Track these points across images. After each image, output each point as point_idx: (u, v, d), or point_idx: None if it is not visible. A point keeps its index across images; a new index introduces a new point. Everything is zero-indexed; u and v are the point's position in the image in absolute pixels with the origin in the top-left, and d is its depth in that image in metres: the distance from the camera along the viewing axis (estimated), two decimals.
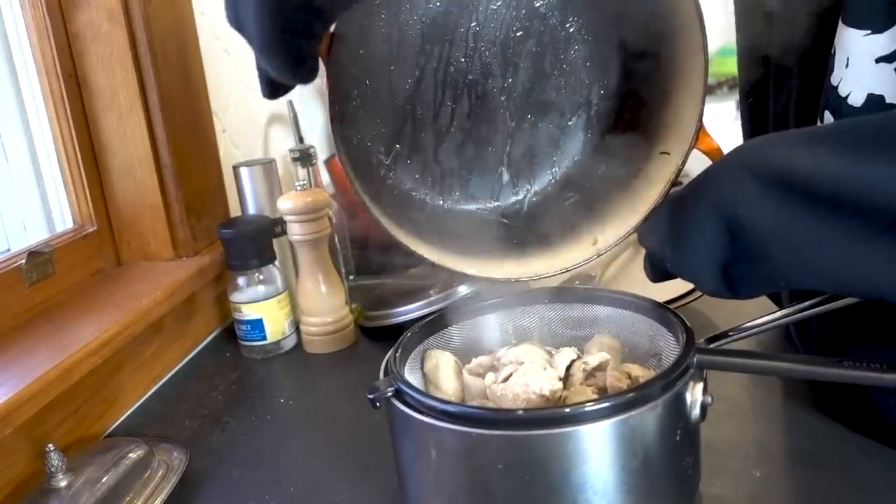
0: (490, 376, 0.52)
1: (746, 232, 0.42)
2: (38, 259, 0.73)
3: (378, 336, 0.84)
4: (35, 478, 0.60)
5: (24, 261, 0.71)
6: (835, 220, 0.39)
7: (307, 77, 0.45)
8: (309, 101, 1.33)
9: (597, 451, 0.43)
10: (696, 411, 0.46)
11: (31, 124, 0.81)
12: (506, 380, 0.51)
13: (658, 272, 0.50)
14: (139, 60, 0.81)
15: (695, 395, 0.46)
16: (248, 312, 0.82)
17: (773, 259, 0.41)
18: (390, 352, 0.52)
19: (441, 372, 0.54)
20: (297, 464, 0.62)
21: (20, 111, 0.80)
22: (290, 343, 0.85)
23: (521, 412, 0.45)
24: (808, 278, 0.41)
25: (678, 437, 0.45)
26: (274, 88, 0.47)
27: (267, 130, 1.12)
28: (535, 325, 0.60)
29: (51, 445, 0.54)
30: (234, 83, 1.03)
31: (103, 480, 0.54)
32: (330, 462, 0.62)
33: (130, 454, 0.57)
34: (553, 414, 0.44)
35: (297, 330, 0.86)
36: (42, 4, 0.77)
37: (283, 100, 1.14)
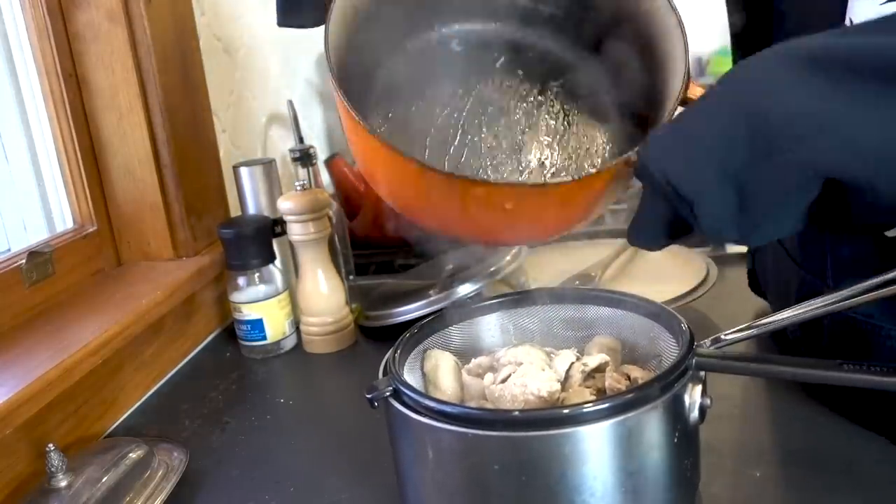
0: (489, 377, 0.52)
1: (771, 120, 0.37)
2: (38, 259, 0.73)
3: (378, 336, 0.84)
4: (35, 478, 0.60)
5: (24, 261, 0.71)
6: (876, 88, 0.35)
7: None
8: (309, 102, 1.33)
9: (594, 453, 0.43)
10: (695, 413, 0.46)
11: (31, 124, 0.81)
12: (504, 381, 0.51)
13: (660, 223, 0.43)
14: (139, 60, 0.81)
15: (693, 397, 0.46)
16: (248, 312, 0.82)
17: (804, 143, 0.36)
18: (389, 352, 0.52)
19: (440, 372, 0.54)
20: (297, 464, 0.62)
21: (20, 111, 0.80)
22: (290, 343, 0.85)
23: (517, 413, 0.45)
24: (844, 157, 0.36)
25: (676, 439, 0.45)
26: (286, 15, 0.48)
27: (267, 130, 1.12)
28: (535, 325, 0.60)
29: (51, 445, 0.54)
30: (234, 83, 1.03)
31: (103, 480, 0.54)
32: (330, 462, 0.62)
33: (130, 454, 0.57)
34: (550, 415, 0.44)
35: (297, 330, 0.86)
36: (42, 4, 0.77)
37: (283, 100, 1.14)
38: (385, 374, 0.51)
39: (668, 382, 0.44)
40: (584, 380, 0.52)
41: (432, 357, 0.55)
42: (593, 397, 0.50)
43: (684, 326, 0.50)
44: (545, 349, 0.55)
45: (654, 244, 0.45)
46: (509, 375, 0.51)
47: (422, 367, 0.55)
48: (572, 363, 0.52)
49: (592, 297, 0.59)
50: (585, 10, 0.57)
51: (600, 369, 0.52)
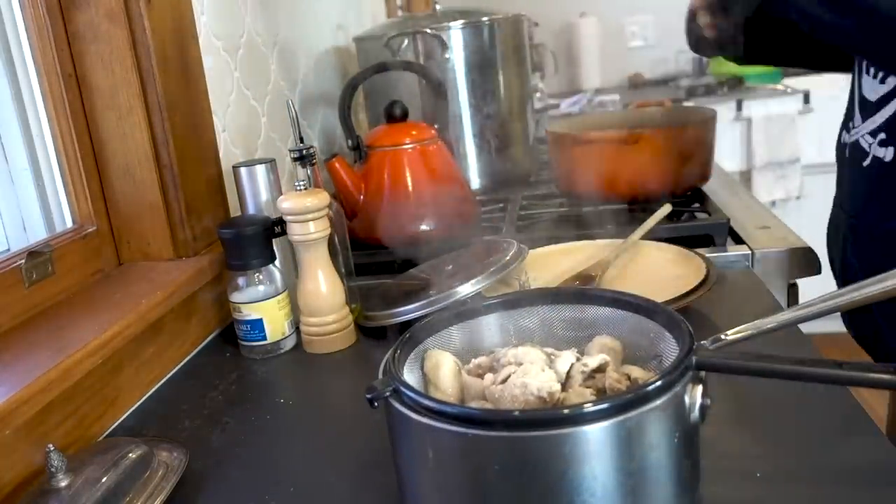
0: (489, 377, 0.52)
1: None
2: (38, 259, 0.73)
3: (378, 336, 0.84)
4: (35, 478, 0.60)
5: (23, 261, 0.71)
6: None
7: None
8: (309, 102, 1.33)
9: (595, 453, 0.43)
10: (696, 413, 0.46)
11: (30, 124, 0.81)
12: (504, 381, 0.51)
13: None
14: (139, 60, 0.81)
15: (693, 397, 0.46)
16: (248, 312, 0.82)
17: None
18: (389, 352, 0.52)
19: (440, 372, 0.54)
20: (297, 464, 0.62)
21: (20, 111, 0.80)
22: (290, 343, 0.85)
23: (517, 413, 0.45)
24: None
25: (677, 439, 0.45)
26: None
27: (267, 130, 1.12)
28: (535, 325, 0.60)
29: (51, 445, 0.54)
30: (233, 83, 1.03)
31: (103, 480, 0.54)
32: (330, 462, 0.62)
33: (130, 454, 0.57)
34: (550, 415, 0.44)
35: (297, 330, 0.86)
36: (42, 4, 0.77)
37: (282, 100, 1.14)
38: (385, 374, 0.51)
39: (668, 383, 0.44)
40: (585, 380, 0.52)
41: (432, 357, 0.55)
42: (594, 398, 0.50)
43: (684, 326, 0.50)
44: (545, 349, 0.55)
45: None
46: (509, 376, 0.51)
47: (422, 367, 0.55)
48: (573, 364, 0.52)
49: (592, 297, 0.59)
50: None
51: (601, 370, 0.52)
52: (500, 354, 0.55)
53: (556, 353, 0.54)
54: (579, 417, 0.42)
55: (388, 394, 0.48)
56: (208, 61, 0.93)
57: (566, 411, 0.43)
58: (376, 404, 0.48)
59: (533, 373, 0.50)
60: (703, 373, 0.47)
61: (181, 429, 0.70)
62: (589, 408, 0.42)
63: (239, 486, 0.60)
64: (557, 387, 0.50)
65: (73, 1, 0.79)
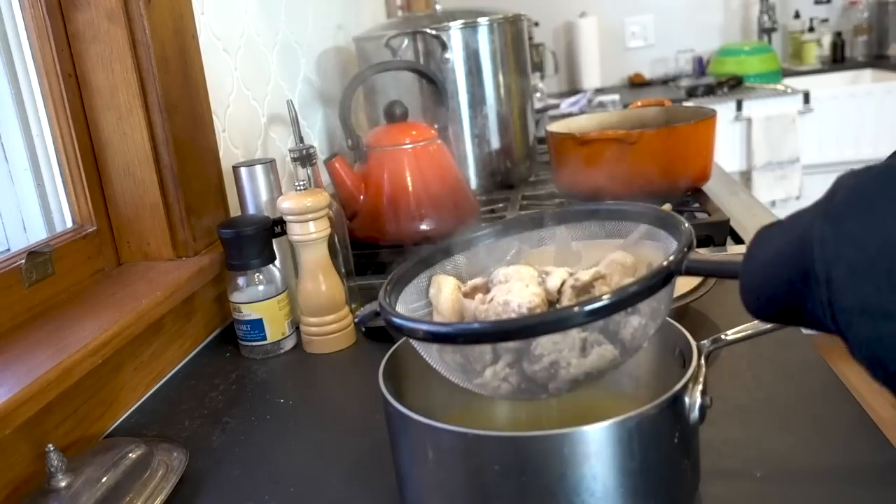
0: (479, 297, 0.50)
1: None
2: (38, 259, 0.73)
3: (378, 336, 0.84)
4: (35, 478, 0.60)
5: (23, 261, 0.71)
6: None
7: None
8: (309, 102, 1.33)
9: (594, 453, 0.43)
10: (695, 413, 0.46)
11: (30, 124, 0.81)
12: (492, 300, 0.49)
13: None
14: (139, 60, 0.81)
15: (693, 397, 0.46)
16: (248, 312, 0.82)
17: None
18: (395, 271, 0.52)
19: (441, 296, 0.53)
20: (297, 464, 0.62)
21: (20, 111, 0.80)
22: (290, 343, 0.85)
23: (476, 325, 0.44)
24: None
25: (676, 440, 0.45)
26: None
27: (267, 130, 1.12)
28: (549, 248, 0.57)
29: (51, 445, 0.54)
30: (233, 83, 1.03)
31: (103, 480, 0.54)
32: (330, 462, 0.62)
33: (130, 454, 0.57)
34: (506, 324, 0.43)
35: (297, 330, 0.86)
36: (41, 4, 0.77)
37: (283, 100, 1.14)
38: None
39: (648, 286, 0.42)
40: (577, 295, 0.48)
41: (436, 282, 0.54)
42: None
43: (683, 226, 0.47)
44: (541, 268, 0.52)
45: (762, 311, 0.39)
46: (496, 295, 0.49)
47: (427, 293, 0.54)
48: (564, 280, 0.49)
49: (594, 212, 0.56)
50: None
51: (594, 283, 0.49)
52: (494, 274, 0.52)
53: (550, 269, 0.51)
54: (536, 326, 0.42)
55: (373, 316, 0.47)
56: (208, 61, 0.93)
57: (520, 318, 0.42)
58: (363, 329, 0.48)
59: (516, 290, 0.48)
60: (702, 373, 0.47)
61: (181, 429, 0.70)
62: (548, 316, 0.41)
63: (239, 486, 0.60)
64: (538, 301, 0.47)
65: (73, 1, 0.79)
